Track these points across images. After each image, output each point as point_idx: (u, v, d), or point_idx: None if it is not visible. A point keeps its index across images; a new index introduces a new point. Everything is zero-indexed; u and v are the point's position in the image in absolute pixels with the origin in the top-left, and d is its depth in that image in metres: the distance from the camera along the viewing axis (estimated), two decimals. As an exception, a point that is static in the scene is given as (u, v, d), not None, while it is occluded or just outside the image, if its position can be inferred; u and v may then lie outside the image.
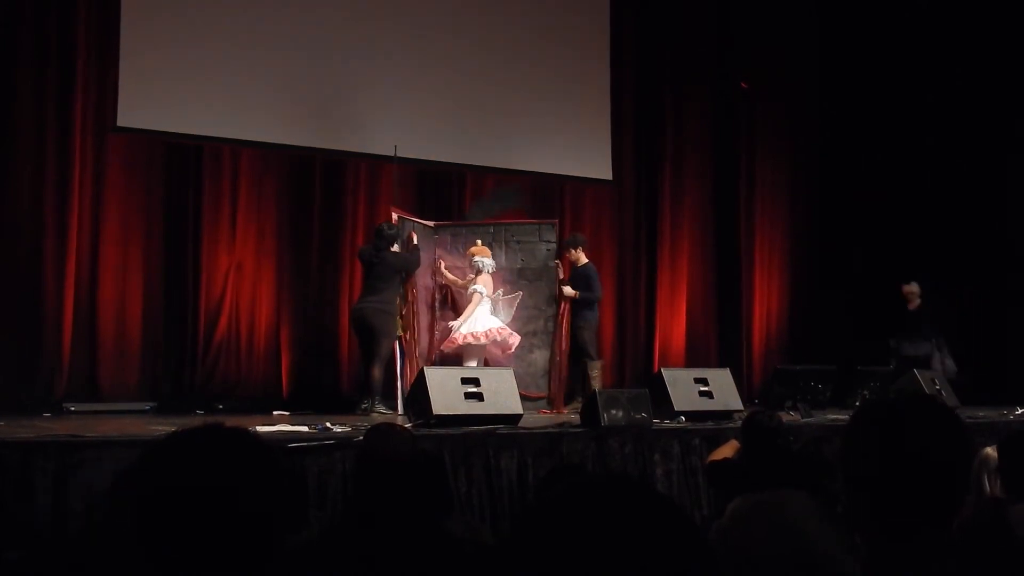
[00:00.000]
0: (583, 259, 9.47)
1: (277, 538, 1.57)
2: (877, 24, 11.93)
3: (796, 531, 1.74)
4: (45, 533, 4.38)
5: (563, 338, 9.22)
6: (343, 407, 8.27)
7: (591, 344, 9.37)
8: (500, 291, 9.19)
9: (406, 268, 8.52)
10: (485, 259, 9.04)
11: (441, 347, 8.94)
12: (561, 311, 9.25)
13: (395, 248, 8.47)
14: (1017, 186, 11.19)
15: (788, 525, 1.79)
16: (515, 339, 8.94)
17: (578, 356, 9.28)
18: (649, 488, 1.22)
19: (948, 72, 11.49)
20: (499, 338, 8.82)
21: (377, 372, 8.20)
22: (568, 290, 9.18)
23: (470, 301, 8.88)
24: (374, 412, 7.91)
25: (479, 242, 9.21)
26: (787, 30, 12.38)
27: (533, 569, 1.13)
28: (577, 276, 9.40)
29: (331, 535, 2.67)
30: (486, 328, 8.77)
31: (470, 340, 8.71)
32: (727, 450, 5.32)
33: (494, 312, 9.01)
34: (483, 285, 8.94)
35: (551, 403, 9.02)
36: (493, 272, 9.09)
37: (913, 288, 11.04)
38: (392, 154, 9.17)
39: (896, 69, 11.87)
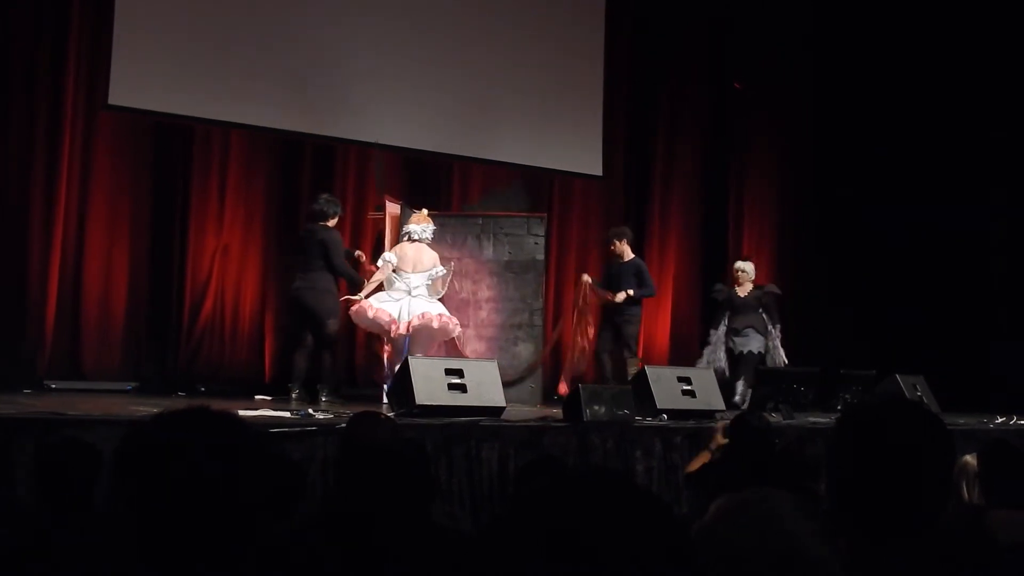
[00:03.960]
0: (629, 253, 9.19)
1: (262, 525, 1.57)
2: (871, 24, 11.91)
3: (781, 530, 1.74)
4: (25, 510, 4.36)
5: (589, 329, 9.17)
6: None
7: (634, 339, 9.19)
8: (437, 268, 8.36)
9: (332, 248, 7.84)
10: (413, 225, 8.35)
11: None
12: (585, 299, 9.18)
13: (330, 223, 8.00)
14: (1008, 190, 11.14)
15: (773, 524, 1.80)
16: (456, 329, 8.29)
17: (613, 348, 9.09)
18: (630, 482, 1.22)
19: (944, 71, 11.46)
20: (436, 325, 8.04)
21: (327, 357, 7.92)
22: (620, 296, 8.84)
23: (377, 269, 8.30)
24: (323, 400, 7.58)
25: (425, 212, 8.64)
26: (781, 28, 12.34)
27: (516, 560, 1.13)
28: (625, 272, 9.10)
29: (314, 522, 2.67)
30: (419, 312, 7.99)
31: (385, 318, 7.93)
32: (704, 458, 5.34)
33: (429, 292, 8.27)
34: (393, 254, 8.22)
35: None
36: (425, 240, 8.34)
37: (746, 268, 9.47)
38: (375, 142, 9.07)
39: (889, 67, 11.82)
